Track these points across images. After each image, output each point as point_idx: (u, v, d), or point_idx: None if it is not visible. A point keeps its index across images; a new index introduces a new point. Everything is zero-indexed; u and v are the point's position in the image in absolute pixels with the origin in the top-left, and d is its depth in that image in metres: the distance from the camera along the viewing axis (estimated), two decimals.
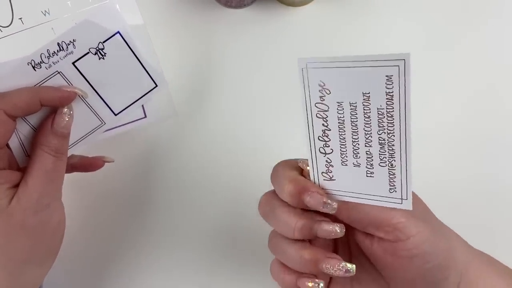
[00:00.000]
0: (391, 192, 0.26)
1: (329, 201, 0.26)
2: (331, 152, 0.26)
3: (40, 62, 0.31)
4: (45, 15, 0.33)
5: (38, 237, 0.30)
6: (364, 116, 0.25)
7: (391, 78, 0.23)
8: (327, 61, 0.24)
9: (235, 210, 0.42)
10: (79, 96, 0.33)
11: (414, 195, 0.27)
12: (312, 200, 0.26)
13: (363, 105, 0.24)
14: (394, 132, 0.24)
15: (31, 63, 0.31)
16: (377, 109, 0.24)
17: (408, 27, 0.48)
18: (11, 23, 0.32)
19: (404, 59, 0.23)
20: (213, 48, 0.45)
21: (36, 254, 0.30)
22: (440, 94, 0.46)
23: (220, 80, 0.45)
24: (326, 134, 0.26)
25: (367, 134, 0.25)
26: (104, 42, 0.32)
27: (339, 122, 0.26)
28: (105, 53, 0.33)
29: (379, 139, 0.25)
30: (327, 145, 0.27)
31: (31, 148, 0.33)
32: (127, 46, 0.33)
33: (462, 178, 0.43)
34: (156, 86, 0.36)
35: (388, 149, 0.25)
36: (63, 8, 0.33)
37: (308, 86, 0.25)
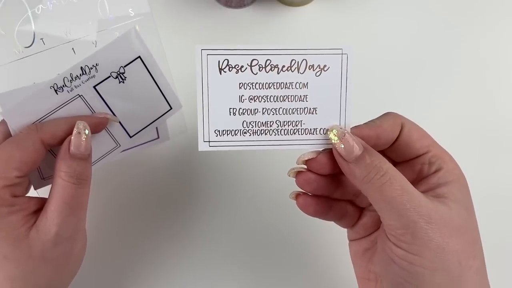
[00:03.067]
0: None
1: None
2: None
3: (63, 85, 0.31)
4: (66, 35, 0.32)
5: (60, 266, 0.29)
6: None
7: None
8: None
9: (240, 213, 0.41)
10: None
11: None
12: None
13: None
14: None
15: (53, 87, 0.30)
16: None
17: (408, 27, 0.49)
18: (32, 43, 0.32)
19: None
20: None
21: (58, 280, 0.30)
22: (440, 93, 0.46)
23: None
24: None
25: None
26: (125, 66, 0.33)
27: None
28: (125, 77, 0.33)
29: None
30: None
31: (49, 172, 0.32)
32: (146, 71, 0.34)
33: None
34: (171, 108, 0.36)
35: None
36: (84, 28, 0.33)
37: None
